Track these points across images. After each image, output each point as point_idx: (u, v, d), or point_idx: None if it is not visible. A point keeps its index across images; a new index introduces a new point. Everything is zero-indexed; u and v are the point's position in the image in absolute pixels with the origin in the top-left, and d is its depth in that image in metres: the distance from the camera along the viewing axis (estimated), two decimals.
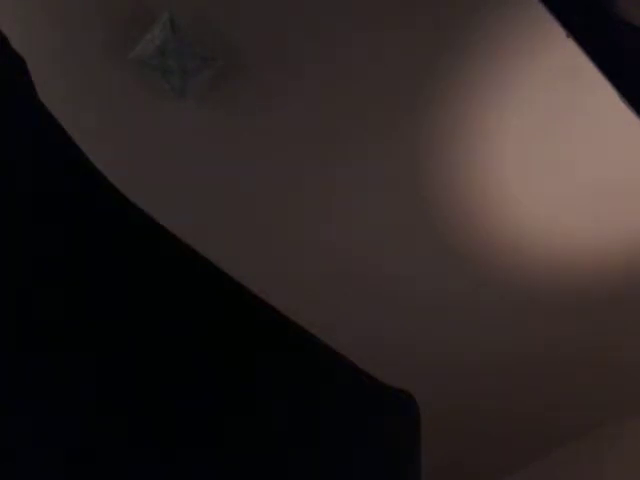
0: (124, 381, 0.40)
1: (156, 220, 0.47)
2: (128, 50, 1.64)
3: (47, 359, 0.39)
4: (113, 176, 0.48)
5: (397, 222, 2.07)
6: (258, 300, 0.50)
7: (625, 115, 1.63)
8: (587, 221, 2.09)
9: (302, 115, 1.82)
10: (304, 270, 2.16)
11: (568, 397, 2.61)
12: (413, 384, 0.63)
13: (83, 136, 0.53)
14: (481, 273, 2.21)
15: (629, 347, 2.45)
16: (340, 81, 1.76)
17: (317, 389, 0.50)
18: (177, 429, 0.40)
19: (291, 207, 2.02)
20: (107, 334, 0.41)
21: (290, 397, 0.47)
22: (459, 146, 1.90)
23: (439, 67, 1.75)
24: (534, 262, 2.19)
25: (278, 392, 0.46)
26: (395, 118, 1.84)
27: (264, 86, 1.76)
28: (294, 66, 1.73)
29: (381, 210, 2.04)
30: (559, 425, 2.72)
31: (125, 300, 0.43)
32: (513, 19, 1.67)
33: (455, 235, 2.11)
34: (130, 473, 0.38)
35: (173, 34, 1.61)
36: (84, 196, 0.46)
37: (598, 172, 1.98)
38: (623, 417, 2.67)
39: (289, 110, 1.81)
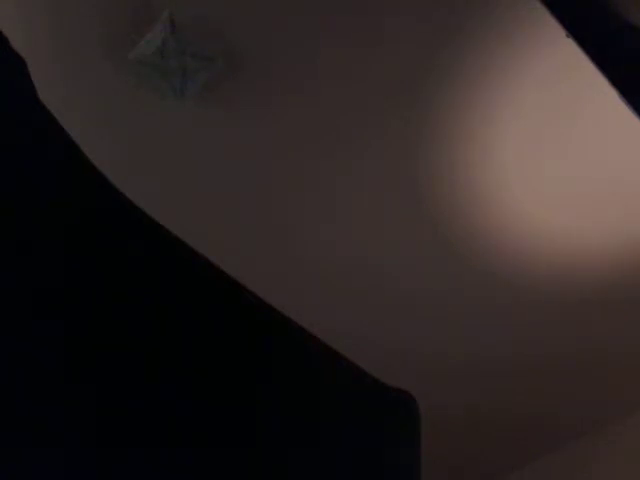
0: (122, 381, 0.40)
1: (156, 220, 0.47)
2: (128, 50, 1.65)
3: (45, 358, 0.39)
4: (113, 176, 0.48)
5: (397, 221, 2.07)
6: (258, 300, 0.50)
7: (625, 115, 1.63)
8: (587, 221, 2.09)
9: (302, 115, 1.82)
10: (304, 270, 2.16)
11: (568, 397, 2.61)
12: (413, 384, 0.63)
13: (83, 136, 0.53)
14: (481, 273, 2.21)
15: (629, 347, 2.45)
16: (340, 81, 1.76)
17: (317, 389, 0.50)
18: (175, 430, 0.40)
19: (291, 207, 2.02)
20: (105, 334, 0.41)
21: (290, 397, 0.47)
22: (459, 146, 1.90)
23: (439, 67, 1.75)
24: (534, 262, 2.19)
25: (277, 392, 0.46)
26: (395, 118, 1.85)
27: (264, 86, 1.76)
28: (294, 66, 1.73)
29: (381, 210, 2.04)
30: (559, 425, 2.72)
31: (124, 300, 0.43)
32: (513, 19, 1.67)
33: (455, 235, 2.11)
34: (128, 472, 0.38)
35: (173, 34, 1.61)
36: (84, 196, 0.46)
37: (598, 172, 1.99)
38: (623, 417, 2.67)
39: (289, 110, 1.81)
